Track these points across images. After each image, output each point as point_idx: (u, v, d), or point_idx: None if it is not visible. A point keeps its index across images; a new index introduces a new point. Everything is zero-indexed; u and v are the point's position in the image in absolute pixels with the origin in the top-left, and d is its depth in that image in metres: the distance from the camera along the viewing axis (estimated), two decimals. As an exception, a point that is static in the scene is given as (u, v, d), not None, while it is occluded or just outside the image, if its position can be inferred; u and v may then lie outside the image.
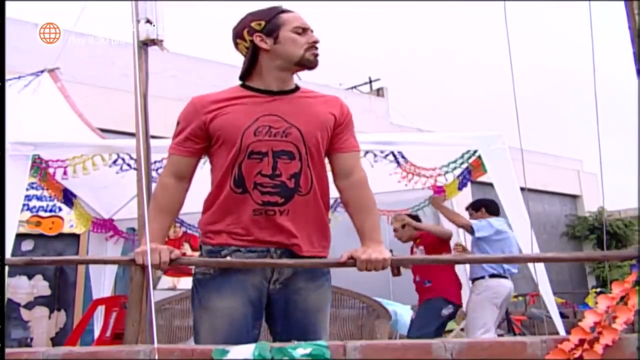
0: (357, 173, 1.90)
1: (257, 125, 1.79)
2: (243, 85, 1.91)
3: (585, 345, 1.33)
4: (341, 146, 1.90)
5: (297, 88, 1.93)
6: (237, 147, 1.78)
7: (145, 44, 2.55)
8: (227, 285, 1.79)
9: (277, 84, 1.87)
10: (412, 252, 4.49)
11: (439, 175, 3.94)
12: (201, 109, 1.84)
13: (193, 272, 1.89)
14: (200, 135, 1.84)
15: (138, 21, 2.51)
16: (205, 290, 1.82)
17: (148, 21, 2.54)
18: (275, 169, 1.78)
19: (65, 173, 3.43)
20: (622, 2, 1.70)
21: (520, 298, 7.90)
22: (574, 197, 13.97)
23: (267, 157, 1.78)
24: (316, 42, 1.87)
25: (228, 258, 1.81)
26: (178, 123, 1.89)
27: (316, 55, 1.87)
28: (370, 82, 13.84)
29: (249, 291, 1.79)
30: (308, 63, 1.87)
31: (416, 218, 4.61)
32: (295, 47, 1.84)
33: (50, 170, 3.52)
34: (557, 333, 3.42)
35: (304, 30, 1.87)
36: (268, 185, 1.78)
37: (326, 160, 1.94)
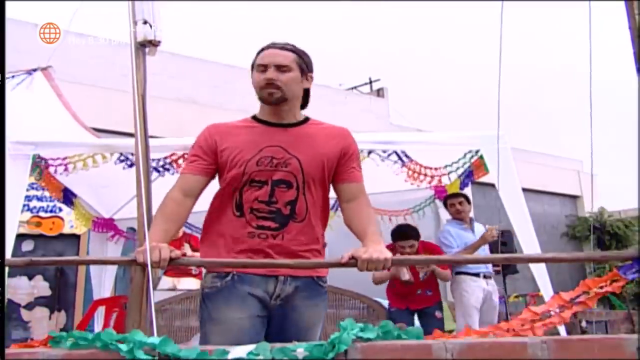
0: (362, 199, 2.00)
1: (260, 156, 1.92)
2: (254, 117, 2.05)
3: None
4: (346, 177, 2.02)
5: (305, 120, 2.06)
6: (240, 175, 1.91)
7: (143, 45, 2.54)
8: (234, 297, 1.88)
9: (271, 117, 2.01)
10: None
11: (443, 175, 3.94)
12: (214, 134, 1.99)
13: (200, 287, 1.99)
14: (210, 156, 1.97)
15: (135, 22, 2.50)
16: (214, 303, 1.91)
17: (145, 22, 2.53)
18: (272, 196, 1.91)
19: (66, 169, 3.42)
20: (622, 2, 1.70)
21: (520, 298, 7.90)
22: (574, 197, 13.97)
23: (267, 186, 1.91)
24: (267, 80, 1.95)
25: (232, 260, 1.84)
26: (193, 146, 2.02)
27: (270, 93, 1.95)
28: (371, 82, 13.85)
29: (255, 304, 1.88)
30: (263, 101, 2.00)
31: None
32: (256, 85, 1.99)
33: (51, 169, 3.51)
34: (558, 333, 3.42)
35: (264, 68, 1.97)
36: (263, 211, 1.90)
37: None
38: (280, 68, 1.95)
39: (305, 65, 2.01)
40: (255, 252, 1.89)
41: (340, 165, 2.00)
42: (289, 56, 1.98)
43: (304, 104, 2.09)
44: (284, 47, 2.00)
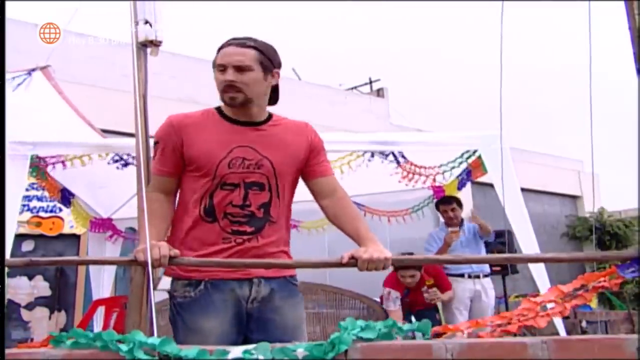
0: (339, 192, 1.98)
1: (231, 157, 1.85)
2: (219, 111, 1.95)
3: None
4: (320, 171, 1.98)
5: (270, 116, 1.97)
6: (210, 178, 1.85)
7: (144, 45, 2.54)
8: (210, 305, 1.84)
9: (239, 116, 1.92)
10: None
11: (438, 174, 3.94)
12: (179, 130, 1.88)
13: (169, 292, 1.91)
14: (178, 156, 1.88)
15: (137, 22, 2.50)
16: (188, 313, 1.86)
17: (147, 22, 2.53)
18: (246, 200, 1.85)
19: (64, 166, 3.42)
20: (622, 2, 1.70)
21: (520, 298, 7.91)
22: (574, 197, 13.96)
23: (239, 189, 1.85)
24: (227, 82, 1.85)
25: (223, 259, 1.83)
26: (157, 142, 1.92)
27: (232, 98, 1.86)
28: (371, 82, 13.83)
29: (230, 310, 1.85)
30: (226, 104, 1.91)
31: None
32: (217, 87, 1.89)
33: (49, 168, 3.51)
34: (558, 334, 3.42)
35: (224, 69, 1.86)
36: (238, 215, 1.85)
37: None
38: (240, 69, 1.84)
39: (269, 61, 1.89)
40: (230, 256, 1.84)
41: (310, 161, 1.96)
42: (248, 54, 1.85)
43: (275, 101, 2.00)
44: (244, 43, 1.87)
